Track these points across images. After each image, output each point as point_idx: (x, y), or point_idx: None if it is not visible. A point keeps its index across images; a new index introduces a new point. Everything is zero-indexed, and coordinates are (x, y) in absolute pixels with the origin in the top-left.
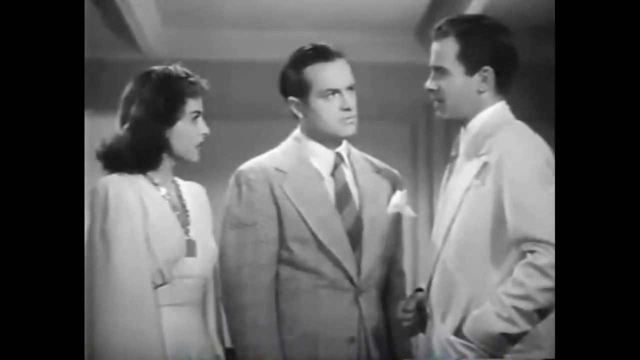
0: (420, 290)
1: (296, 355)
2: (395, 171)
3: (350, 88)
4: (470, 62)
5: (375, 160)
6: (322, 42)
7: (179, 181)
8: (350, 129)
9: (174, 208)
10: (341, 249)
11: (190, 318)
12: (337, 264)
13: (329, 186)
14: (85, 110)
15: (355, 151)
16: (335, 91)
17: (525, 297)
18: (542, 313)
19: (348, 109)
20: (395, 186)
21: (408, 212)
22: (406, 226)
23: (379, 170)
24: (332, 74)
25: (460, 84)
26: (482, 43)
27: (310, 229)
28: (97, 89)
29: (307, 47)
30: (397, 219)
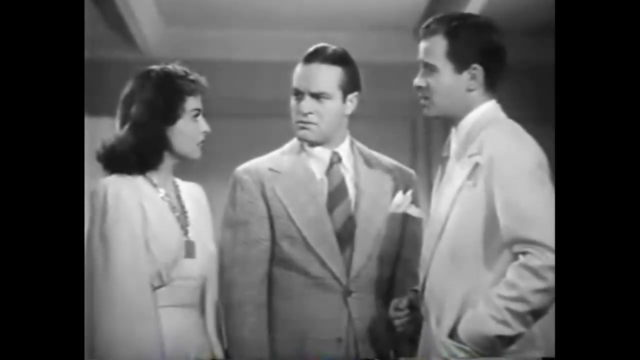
0: (414, 291)
1: (285, 353)
2: (411, 171)
3: (318, 97)
4: (459, 59)
5: (386, 159)
6: (324, 45)
7: (179, 182)
8: (302, 134)
9: (173, 209)
10: (327, 248)
11: (190, 319)
12: (322, 263)
13: (323, 186)
14: (85, 110)
15: (361, 149)
16: (297, 92)
17: (519, 299)
18: (535, 314)
19: (302, 113)
20: (407, 185)
21: (413, 212)
22: (416, 227)
23: (387, 170)
24: (300, 75)
25: (448, 81)
26: (471, 41)
27: (297, 229)
28: (97, 89)
29: (314, 47)
30: (402, 219)
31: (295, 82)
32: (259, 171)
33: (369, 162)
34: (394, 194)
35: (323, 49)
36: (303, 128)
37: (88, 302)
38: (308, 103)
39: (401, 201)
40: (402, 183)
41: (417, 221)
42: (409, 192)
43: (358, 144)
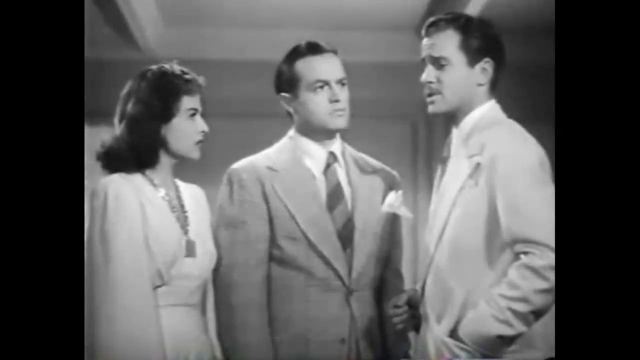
0: (413, 289)
1: (287, 355)
2: (394, 172)
3: (341, 82)
4: (472, 52)
5: (372, 160)
6: (315, 40)
7: (179, 182)
8: (340, 122)
9: (172, 209)
10: (331, 248)
11: (190, 319)
12: (327, 263)
13: (321, 185)
14: (85, 109)
15: (350, 150)
16: (324, 83)
17: (521, 299)
18: (537, 314)
19: (337, 101)
20: (392, 186)
21: (403, 212)
22: (405, 227)
23: (375, 170)
24: (321, 66)
25: (461, 75)
26: (482, 34)
27: (300, 228)
28: (97, 89)
29: (301, 43)
30: (393, 219)
31: (317, 74)
32: (257, 170)
33: (359, 163)
34: (384, 194)
35: (318, 42)
36: (340, 116)
37: (88, 302)
38: (339, 90)
39: (393, 201)
40: (388, 183)
41: (401, 221)
42: (400, 192)
43: (345, 144)
